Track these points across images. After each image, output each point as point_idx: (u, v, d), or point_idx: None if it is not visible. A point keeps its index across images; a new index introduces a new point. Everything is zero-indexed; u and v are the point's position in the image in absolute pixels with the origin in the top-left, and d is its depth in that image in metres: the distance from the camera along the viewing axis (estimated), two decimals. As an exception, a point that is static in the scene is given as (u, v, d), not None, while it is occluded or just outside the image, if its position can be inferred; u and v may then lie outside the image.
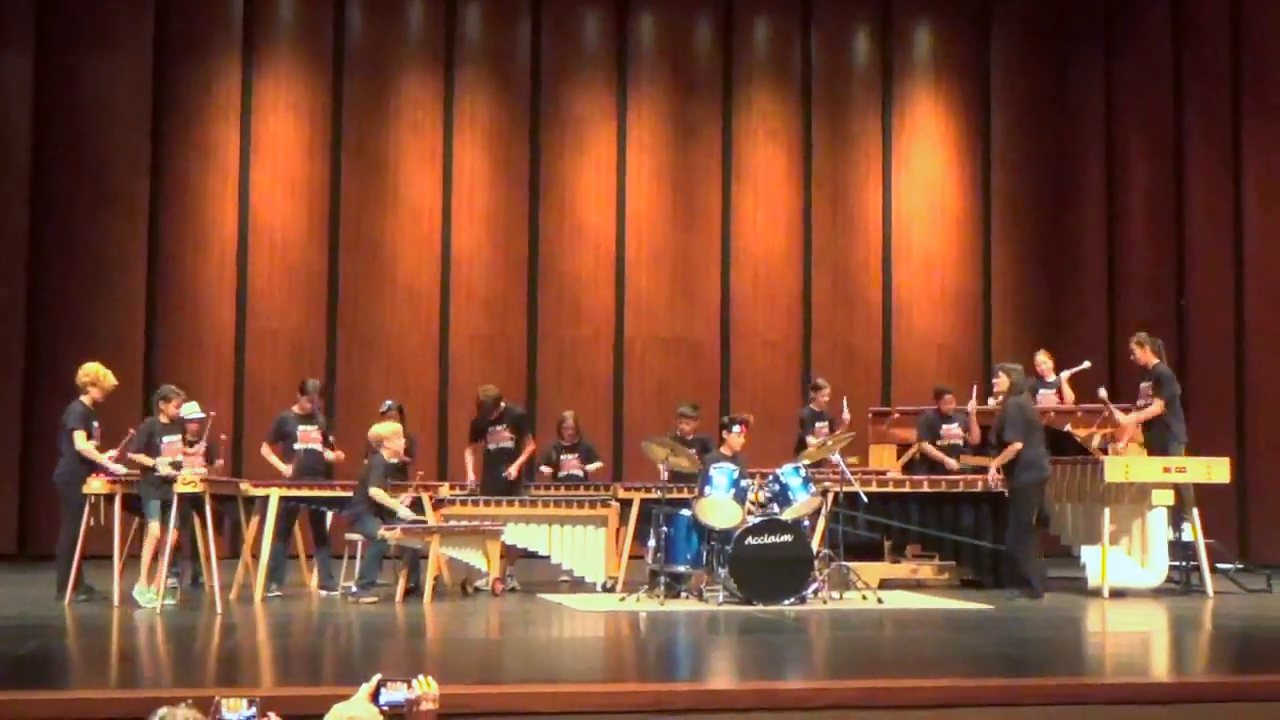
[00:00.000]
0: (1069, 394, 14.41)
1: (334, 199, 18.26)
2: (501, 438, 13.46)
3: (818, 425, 14.78)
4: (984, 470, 12.98)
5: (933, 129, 20.02)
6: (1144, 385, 13.22)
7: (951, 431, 14.06)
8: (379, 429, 12.34)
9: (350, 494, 12.17)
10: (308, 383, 13.27)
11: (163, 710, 4.19)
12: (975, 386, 14.43)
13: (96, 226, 17.30)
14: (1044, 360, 14.63)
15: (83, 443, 11.61)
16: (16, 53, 17.30)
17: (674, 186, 19.25)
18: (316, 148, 18.28)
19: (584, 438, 14.56)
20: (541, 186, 18.89)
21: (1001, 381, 12.54)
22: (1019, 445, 12.14)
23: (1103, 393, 13.41)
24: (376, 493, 11.84)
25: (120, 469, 11.48)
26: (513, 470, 13.31)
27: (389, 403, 13.96)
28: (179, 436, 11.59)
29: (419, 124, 18.59)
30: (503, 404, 13.60)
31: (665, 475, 12.19)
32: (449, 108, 18.69)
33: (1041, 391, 14.22)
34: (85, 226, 17.26)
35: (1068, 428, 13.53)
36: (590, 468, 14.28)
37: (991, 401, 13.47)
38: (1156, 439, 13.01)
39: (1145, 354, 13.27)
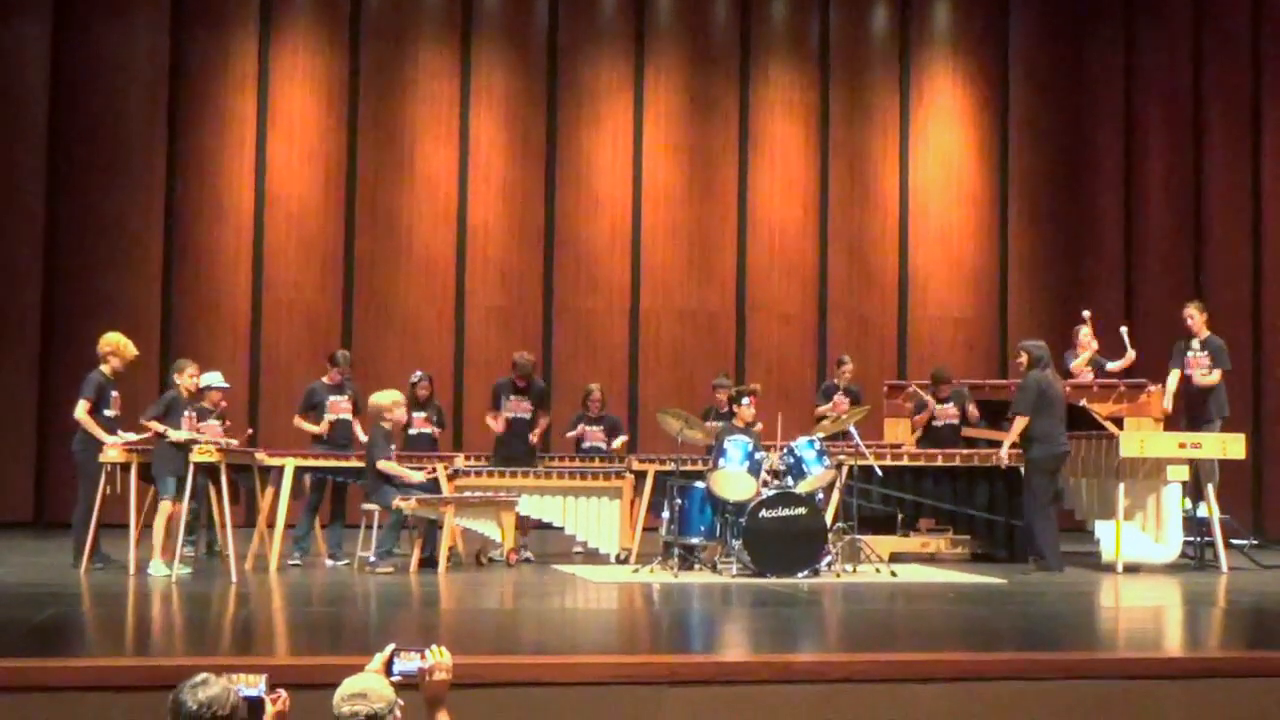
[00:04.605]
0: (1131, 353, 14.12)
1: (350, 170, 18.26)
2: (521, 408, 13.50)
3: (835, 399, 14.85)
4: (999, 444, 13.01)
5: (951, 103, 19.94)
6: (1193, 356, 13.10)
7: (947, 411, 14.12)
8: (377, 398, 12.30)
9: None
10: (337, 354, 13.38)
11: (205, 674, 4.27)
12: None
13: (113, 196, 17.33)
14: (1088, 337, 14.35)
15: (81, 412, 11.61)
16: (34, 21, 17.32)
17: (691, 159, 19.21)
18: (333, 119, 18.28)
19: (609, 410, 14.62)
20: (558, 159, 18.86)
21: (1022, 358, 12.54)
22: (1024, 420, 12.14)
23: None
24: (385, 465, 11.85)
25: (118, 440, 11.51)
26: (535, 435, 13.42)
27: (419, 373, 13.87)
28: (195, 412, 11.58)
29: (436, 95, 18.57)
30: (533, 375, 13.72)
31: (681, 444, 12.23)
32: (466, 79, 18.66)
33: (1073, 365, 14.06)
34: (102, 196, 17.29)
35: (1083, 402, 13.50)
36: (615, 443, 14.30)
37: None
38: (1198, 408, 13.03)
39: (1201, 323, 13.20)
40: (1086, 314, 14.42)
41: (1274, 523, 16.06)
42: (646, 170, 19.04)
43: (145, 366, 14.61)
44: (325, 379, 13.20)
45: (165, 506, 11.07)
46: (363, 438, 12.89)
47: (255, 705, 4.40)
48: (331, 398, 13.02)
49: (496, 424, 13.52)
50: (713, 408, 14.04)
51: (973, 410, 14.12)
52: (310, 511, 12.68)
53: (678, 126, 19.19)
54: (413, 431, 13.20)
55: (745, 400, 12.32)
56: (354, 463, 12.36)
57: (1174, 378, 13.17)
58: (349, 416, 13.07)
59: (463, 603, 10.29)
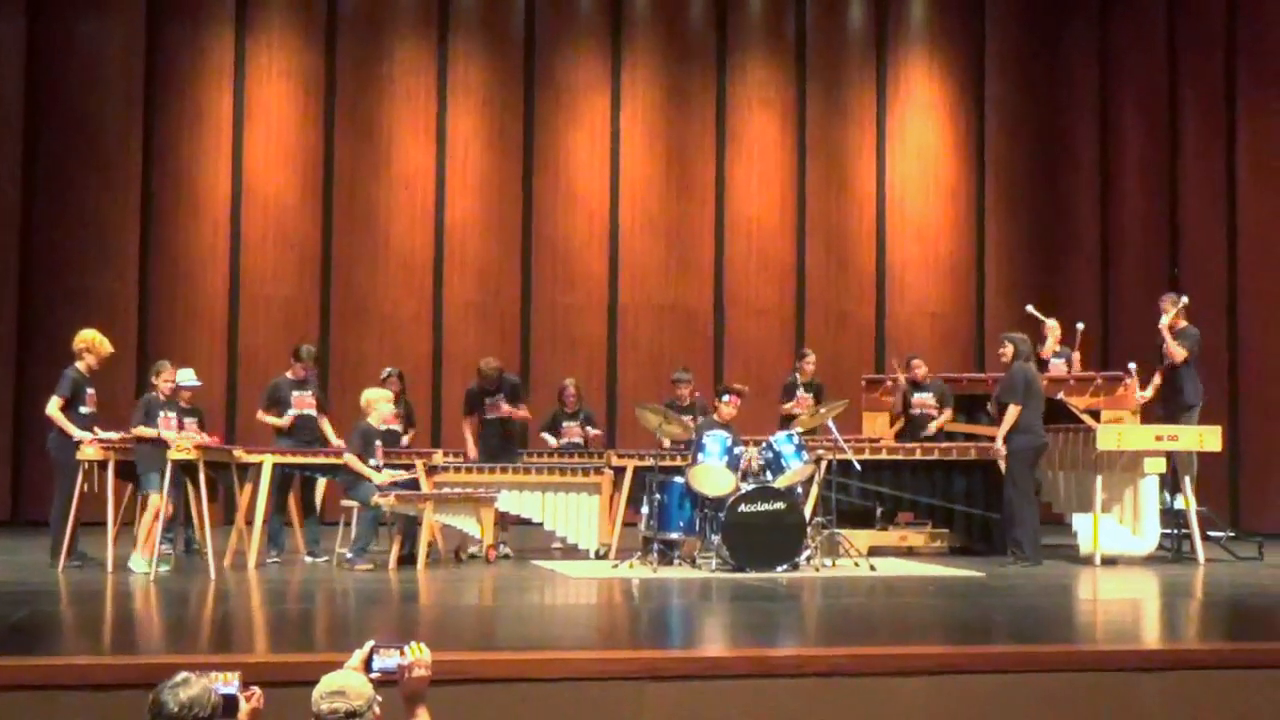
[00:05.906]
0: (1076, 359, 14.37)
1: (327, 166, 18.21)
2: (500, 409, 13.48)
3: (799, 394, 14.80)
4: (980, 438, 13.04)
5: (927, 97, 19.97)
6: (1168, 346, 13.15)
7: (925, 401, 14.15)
8: (369, 393, 12.32)
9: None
10: (301, 348, 13.25)
11: (185, 674, 4.27)
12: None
13: (90, 193, 17.25)
14: (1055, 329, 14.50)
15: (53, 408, 11.54)
16: (9, 17, 17.23)
17: (668, 154, 19.21)
18: (310, 115, 18.23)
19: (584, 405, 14.60)
20: (535, 154, 18.84)
21: (1007, 350, 12.55)
22: (1018, 408, 12.16)
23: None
24: (350, 459, 11.83)
25: (90, 436, 11.47)
26: (507, 408, 13.36)
27: (389, 369, 13.96)
28: (175, 412, 11.58)
29: (413, 91, 18.53)
30: (503, 375, 13.65)
31: (666, 443, 12.22)
32: (443, 75, 18.63)
33: (1053, 362, 14.22)
34: (78, 192, 17.21)
35: (1060, 395, 13.54)
36: (590, 432, 14.29)
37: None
38: (1174, 395, 13.08)
39: (1178, 316, 13.23)
40: (1053, 324, 14.54)
41: (1250, 515, 16.12)
42: (624, 165, 19.03)
43: (122, 363, 14.57)
44: (289, 374, 13.09)
45: (154, 500, 11.05)
46: (333, 437, 12.85)
47: (229, 702, 4.40)
48: (295, 393, 12.91)
49: (471, 437, 13.52)
50: (673, 401, 14.00)
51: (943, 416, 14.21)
52: (277, 509, 12.60)
53: (655, 122, 19.19)
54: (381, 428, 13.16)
55: (726, 398, 12.30)
56: (332, 459, 12.33)
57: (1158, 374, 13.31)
58: (313, 412, 12.98)
59: (442, 599, 10.28)
